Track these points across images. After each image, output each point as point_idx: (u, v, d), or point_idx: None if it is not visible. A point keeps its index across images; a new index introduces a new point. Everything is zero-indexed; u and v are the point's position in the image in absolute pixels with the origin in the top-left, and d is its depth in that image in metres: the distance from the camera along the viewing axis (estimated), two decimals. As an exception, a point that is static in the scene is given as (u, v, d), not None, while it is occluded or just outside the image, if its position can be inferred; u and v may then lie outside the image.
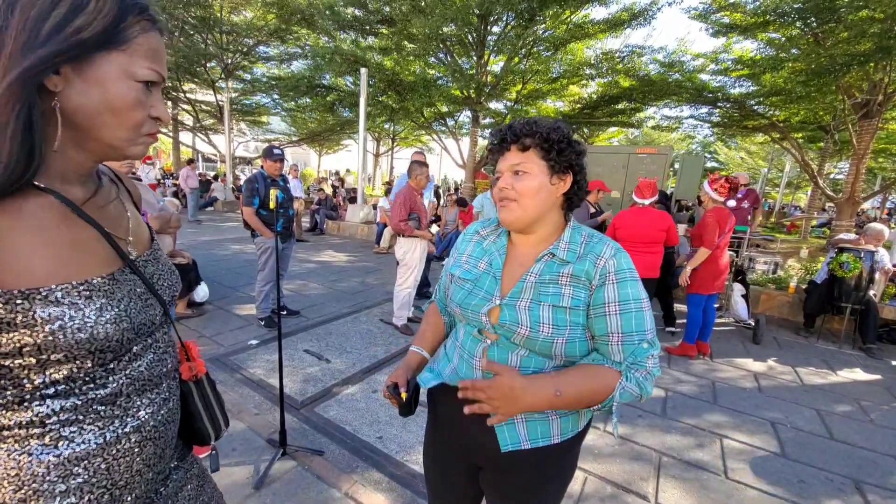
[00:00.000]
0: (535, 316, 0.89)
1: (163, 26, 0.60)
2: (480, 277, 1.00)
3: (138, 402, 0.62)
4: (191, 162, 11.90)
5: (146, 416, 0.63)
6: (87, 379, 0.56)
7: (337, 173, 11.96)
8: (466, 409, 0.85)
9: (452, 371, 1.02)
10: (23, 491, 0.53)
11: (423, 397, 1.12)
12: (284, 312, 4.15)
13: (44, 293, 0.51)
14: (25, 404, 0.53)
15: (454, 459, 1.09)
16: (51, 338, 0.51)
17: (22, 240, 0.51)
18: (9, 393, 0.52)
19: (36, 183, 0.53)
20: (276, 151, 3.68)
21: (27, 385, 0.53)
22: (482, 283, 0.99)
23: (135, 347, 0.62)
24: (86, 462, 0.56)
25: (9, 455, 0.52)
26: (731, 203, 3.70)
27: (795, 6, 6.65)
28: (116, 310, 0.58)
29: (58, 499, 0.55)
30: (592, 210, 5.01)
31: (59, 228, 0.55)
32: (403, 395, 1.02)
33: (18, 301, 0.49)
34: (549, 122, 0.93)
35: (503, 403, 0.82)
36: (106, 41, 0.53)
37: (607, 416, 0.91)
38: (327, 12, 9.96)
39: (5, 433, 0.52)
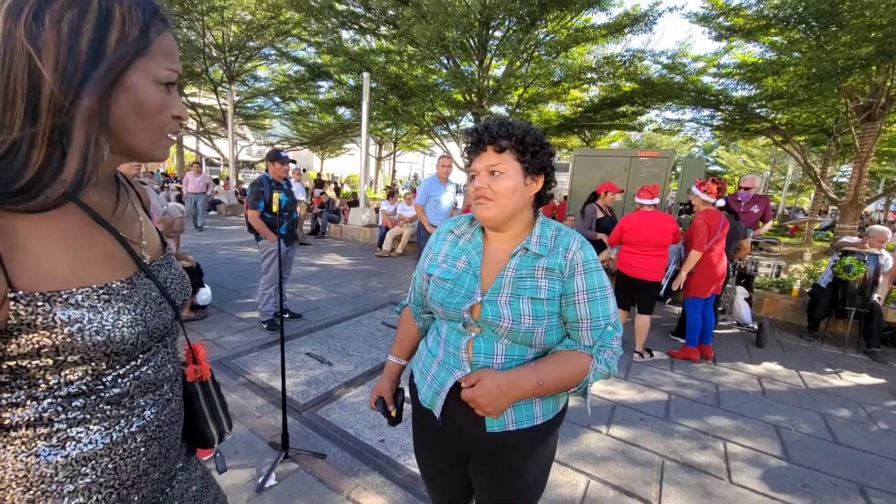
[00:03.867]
0: (516, 309, 0.95)
1: (172, 25, 0.61)
2: (460, 276, 1.04)
3: (142, 402, 0.62)
4: (194, 165, 11.30)
5: (151, 416, 0.63)
6: (98, 381, 0.57)
7: (305, 171, 11.01)
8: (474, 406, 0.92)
9: (439, 365, 1.06)
10: (31, 492, 0.53)
11: (406, 392, 1.14)
12: (287, 315, 4.16)
13: (65, 296, 0.52)
14: (35, 403, 0.53)
15: (442, 451, 1.13)
16: (69, 340, 0.52)
17: (44, 243, 0.52)
18: (22, 392, 0.53)
19: None
20: (284, 154, 3.71)
21: (41, 385, 0.53)
22: (462, 281, 1.03)
23: (147, 352, 0.63)
24: (93, 462, 0.57)
25: (16, 457, 0.53)
26: (721, 203, 3.70)
27: (798, 10, 6.66)
28: (133, 314, 0.59)
29: (66, 499, 0.55)
30: (601, 215, 4.95)
31: (79, 233, 0.56)
32: (393, 413, 1.07)
33: (40, 303, 0.50)
34: (523, 124, 0.99)
35: (494, 406, 0.90)
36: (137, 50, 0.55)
37: (582, 396, 0.99)
38: (327, 8, 9.97)
39: (13, 434, 0.53)
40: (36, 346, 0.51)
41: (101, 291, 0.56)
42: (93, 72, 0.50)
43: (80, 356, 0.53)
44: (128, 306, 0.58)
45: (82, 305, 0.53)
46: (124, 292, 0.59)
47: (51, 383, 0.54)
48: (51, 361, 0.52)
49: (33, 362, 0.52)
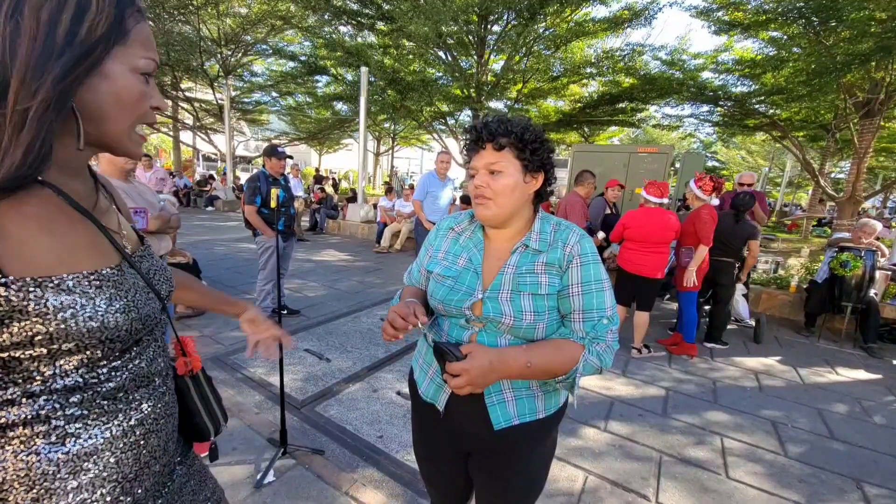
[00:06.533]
0: (517, 305, 0.95)
1: (148, 16, 0.62)
2: (461, 274, 1.03)
3: (137, 396, 0.63)
4: (144, 159, 8.70)
5: (147, 410, 0.64)
6: (94, 374, 0.57)
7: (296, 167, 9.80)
8: (461, 393, 0.90)
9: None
10: (35, 490, 0.53)
11: (405, 389, 1.13)
12: (285, 312, 4.15)
13: (56, 281, 0.52)
14: (31, 401, 0.53)
15: (444, 449, 1.13)
16: (63, 326, 0.52)
17: (29, 230, 0.52)
18: (17, 389, 0.52)
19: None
20: (281, 150, 3.69)
21: (37, 379, 0.53)
22: (463, 279, 1.03)
23: (139, 344, 0.63)
24: (94, 457, 0.57)
25: (16, 456, 0.52)
26: (716, 201, 3.68)
27: (797, 4, 6.63)
28: (125, 300, 0.59)
29: (71, 495, 0.55)
30: (609, 211, 4.97)
31: (60, 221, 0.56)
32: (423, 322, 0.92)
33: (31, 288, 0.50)
34: (522, 121, 0.97)
35: (482, 380, 0.89)
36: (112, 38, 0.55)
37: (570, 388, 0.98)
38: (323, 1, 9.86)
39: (10, 434, 0.52)
40: (29, 333, 0.50)
41: (91, 277, 0.56)
42: (60, 56, 0.50)
43: (74, 343, 0.53)
44: (119, 293, 0.58)
45: (74, 291, 0.53)
46: (115, 279, 0.59)
47: (45, 375, 0.53)
48: (45, 350, 0.52)
49: (27, 352, 0.51)
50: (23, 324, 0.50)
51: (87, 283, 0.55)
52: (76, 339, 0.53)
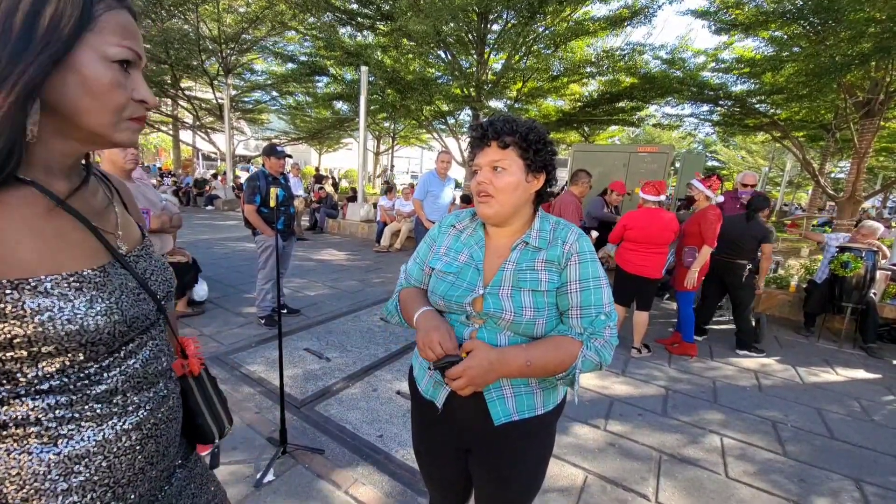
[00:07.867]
0: (518, 301, 0.97)
1: (131, 5, 0.58)
2: (462, 270, 1.05)
3: (136, 400, 0.61)
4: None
5: (146, 414, 0.62)
6: (81, 375, 0.56)
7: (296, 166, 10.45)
8: (461, 392, 0.94)
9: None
10: (25, 490, 0.53)
11: (405, 388, 1.14)
12: (285, 311, 4.15)
13: (33, 283, 0.51)
14: (20, 400, 0.52)
15: (443, 446, 1.14)
16: (41, 329, 0.51)
17: (8, 230, 0.51)
18: (4, 389, 0.52)
19: (18, 175, 0.53)
20: (280, 149, 3.69)
21: (21, 379, 0.52)
22: (464, 275, 1.04)
23: (130, 343, 0.62)
24: (86, 460, 0.56)
25: (9, 454, 0.52)
26: (721, 198, 3.70)
27: (797, 4, 6.63)
28: (107, 302, 0.57)
29: (60, 497, 0.55)
30: (606, 210, 4.98)
31: (45, 220, 0.55)
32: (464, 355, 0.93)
33: (8, 291, 0.49)
34: (527, 122, 1.00)
35: (481, 379, 0.91)
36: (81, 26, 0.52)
37: (570, 384, 1.00)
38: (323, 1, 9.86)
39: (3, 433, 0.52)
40: (8, 335, 0.49)
41: (71, 279, 0.54)
42: (25, 48, 0.48)
43: (54, 347, 0.52)
44: (101, 295, 0.56)
45: (52, 293, 0.52)
46: (97, 280, 0.57)
47: (29, 376, 0.52)
48: (25, 353, 0.51)
49: (7, 354, 0.50)
50: (1, 326, 0.49)
51: (66, 285, 0.53)
52: (55, 342, 0.52)
